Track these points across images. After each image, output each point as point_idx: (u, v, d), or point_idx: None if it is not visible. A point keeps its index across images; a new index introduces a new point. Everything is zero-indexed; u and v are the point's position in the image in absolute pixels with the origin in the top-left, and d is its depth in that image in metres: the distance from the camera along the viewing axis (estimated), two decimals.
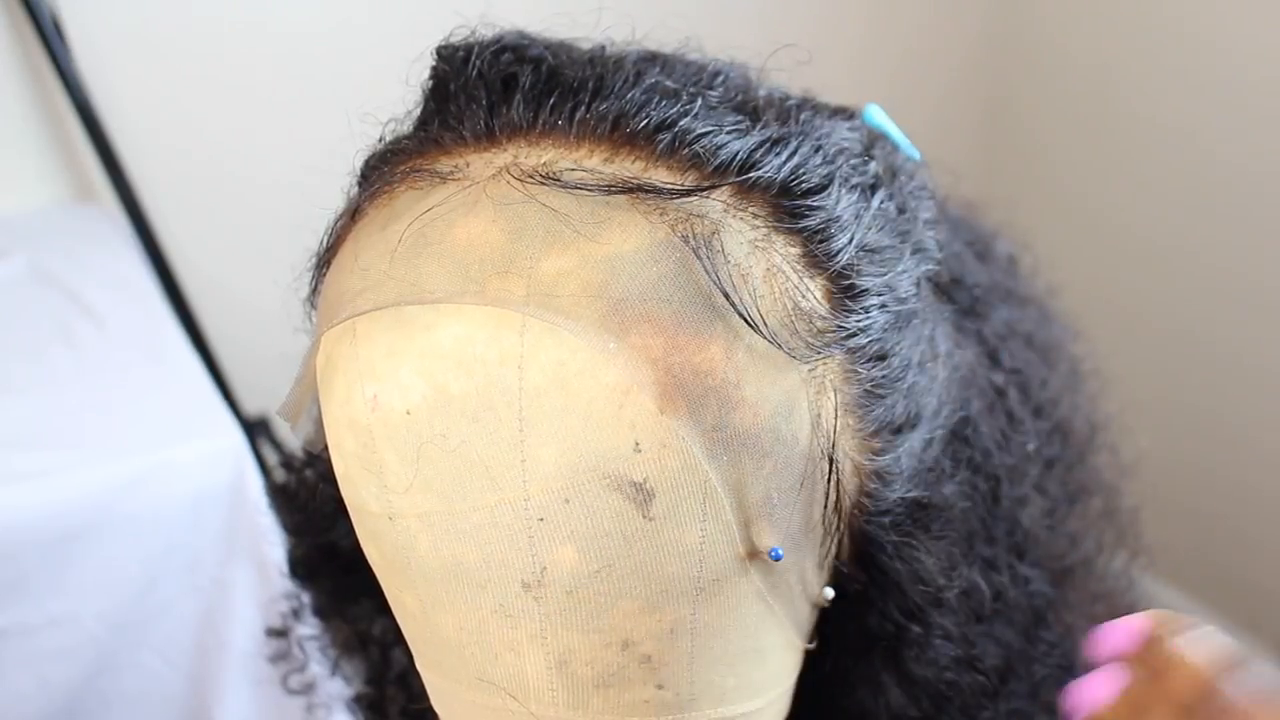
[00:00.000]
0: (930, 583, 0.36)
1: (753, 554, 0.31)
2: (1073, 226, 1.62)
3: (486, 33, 0.36)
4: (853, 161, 0.34)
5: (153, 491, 0.83)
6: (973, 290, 0.45)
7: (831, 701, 0.41)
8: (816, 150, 0.32)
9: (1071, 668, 0.44)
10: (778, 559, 0.31)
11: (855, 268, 0.32)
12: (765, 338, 0.29)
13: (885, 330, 0.32)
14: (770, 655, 0.34)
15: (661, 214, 0.29)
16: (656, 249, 0.29)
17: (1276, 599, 1.53)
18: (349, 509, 0.34)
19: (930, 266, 0.36)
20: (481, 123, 0.32)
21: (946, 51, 1.67)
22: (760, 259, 0.30)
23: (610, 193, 0.29)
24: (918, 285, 0.35)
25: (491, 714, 0.33)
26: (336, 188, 0.38)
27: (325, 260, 0.36)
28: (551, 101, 0.32)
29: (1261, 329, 1.41)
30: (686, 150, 0.30)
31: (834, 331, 0.31)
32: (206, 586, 0.89)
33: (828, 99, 0.39)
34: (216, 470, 0.85)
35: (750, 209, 0.31)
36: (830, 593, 0.35)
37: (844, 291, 0.31)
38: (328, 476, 0.46)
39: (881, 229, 0.33)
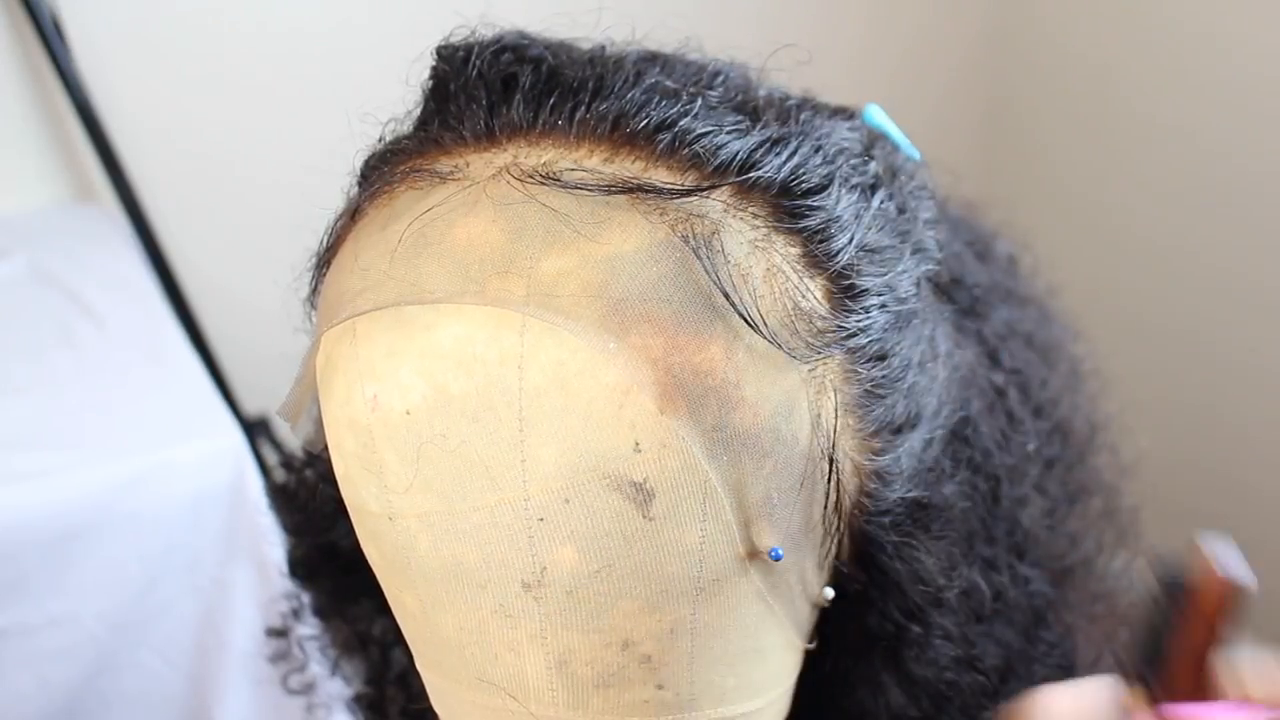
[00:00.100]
0: (930, 583, 0.36)
1: (753, 554, 0.31)
2: (1073, 226, 1.62)
3: (486, 33, 0.36)
4: (853, 161, 0.34)
5: (153, 491, 0.83)
6: (973, 290, 0.45)
7: (831, 701, 0.41)
8: (816, 150, 0.32)
9: (1071, 668, 0.44)
10: (778, 559, 0.31)
11: (855, 268, 0.32)
12: (765, 338, 0.29)
13: (885, 330, 0.32)
14: (770, 655, 0.34)
15: (661, 214, 0.29)
16: (656, 249, 0.29)
17: (1277, 599, 1.53)
18: (349, 509, 0.34)
19: (930, 266, 0.36)
20: (481, 123, 0.32)
21: (946, 51, 1.67)
22: (760, 259, 0.30)
23: (610, 193, 0.29)
24: (918, 285, 0.35)
25: (491, 714, 0.33)
26: (336, 188, 0.38)
27: (325, 260, 0.36)
28: (551, 101, 0.32)
29: (1261, 329, 1.41)
30: (686, 150, 0.30)
31: (834, 331, 0.31)
32: (206, 586, 0.89)
33: (828, 99, 0.39)
34: (216, 470, 0.85)
35: (750, 209, 0.31)
36: (830, 593, 0.35)
37: (844, 291, 0.31)
38: (328, 476, 0.46)
39: (881, 229, 0.33)
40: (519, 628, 0.31)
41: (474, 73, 0.33)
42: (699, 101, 0.32)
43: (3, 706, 0.84)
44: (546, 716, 0.32)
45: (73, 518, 0.81)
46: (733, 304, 0.29)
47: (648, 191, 0.29)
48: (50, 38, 1.09)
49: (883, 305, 0.32)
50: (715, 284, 0.29)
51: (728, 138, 0.31)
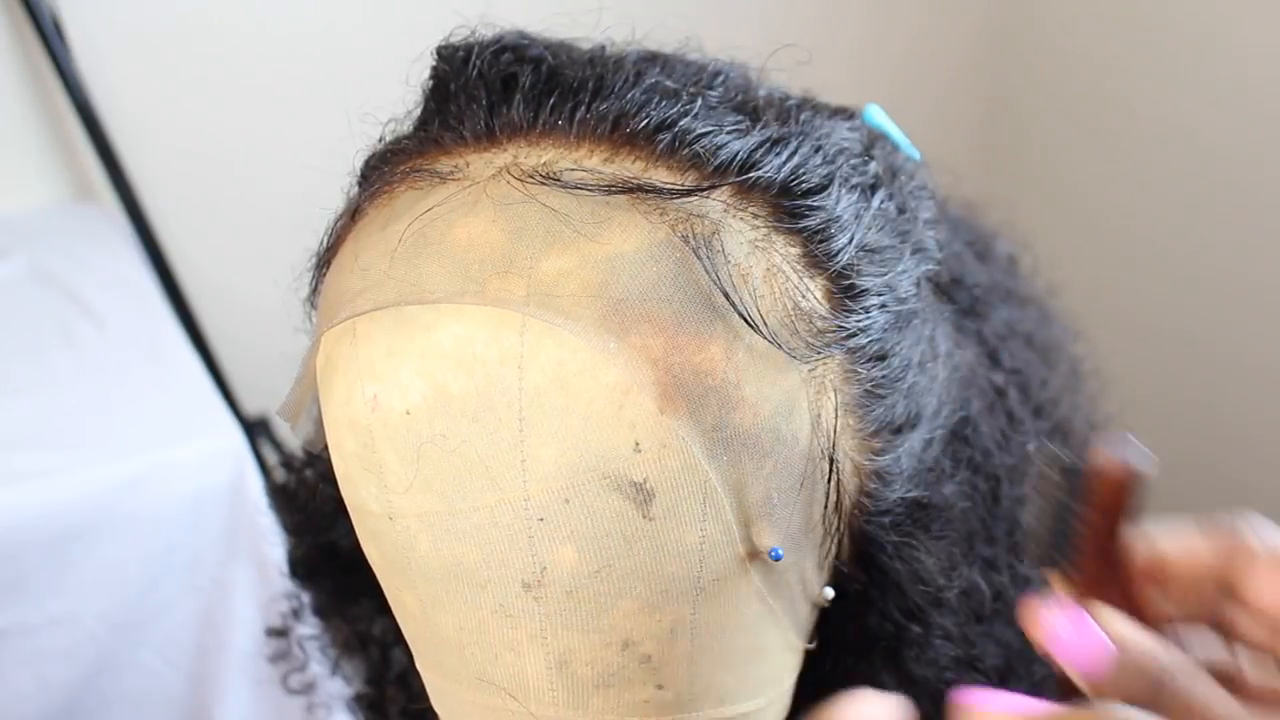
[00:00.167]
0: (930, 583, 0.36)
1: (753, 554, 0.31)
2: (1073, 226, 1.62)
3: (486, 33, 0.36)
4: (853, 161, 0.34)
5: (153, 491, 0.83)
6: (973, 290, 0.45)
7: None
8: (816, 150, 0.32)
9: None
10: (778, 559, 0.31)
11: (855, 268, 0.32)
12: (765, 338, 0.29)
13: (885, 330, 0.32)
14: (770, 655, 0.34)
15: (661, 214, 0.29)
16: (656, 249, 0.29)
17: None
18: (349, 509, 0.34)
19: (930, 266, 0.36)
20: (481, 123, 0.32)
21: (946, 51, 1.68)
22: (760, 259, 0.30)
23: (610, 193, 0.29)
24: (918, 285, 0.35)
25: (491, 714, 0.33)
26: (336, 188, 0.38)
27: (325, 260, 0.36)
28: (551, 101, 0.32)
29: (1261, 329, 1.41)
30: (686, 150, 0.30)
31: (834, 331, 0.31)
32: (206, 586, 0.89)
33: (828, 99, 0.39)
34: (216, 470, 0.85)
35: (750, 209, 0.31)
36: (830, 593, 0.35)
37: (844, 291, 0.31)
38: (328, 476, 0.46)
39: (881, 229, 0.33)
40: (519, 628, 0.31)
41: (474, 73, 0.33)
42: (699, 101, 0.32)
43: (3, 706, 0.84)
44: (546, 716, 0.32)
45: (73, 518, 0.81)
46: (733, 304, 0.29)
47: (648, 191, 0.29)
48: (50, 38, 1.09)
49: (883, 305, 0.32)
50: (715, 284, 0.29)
51: (728, 138, 0.31)
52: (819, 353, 0.31)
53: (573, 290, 0.28)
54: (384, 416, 0.30)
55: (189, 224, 1.28)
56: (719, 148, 0.30)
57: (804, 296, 0.30)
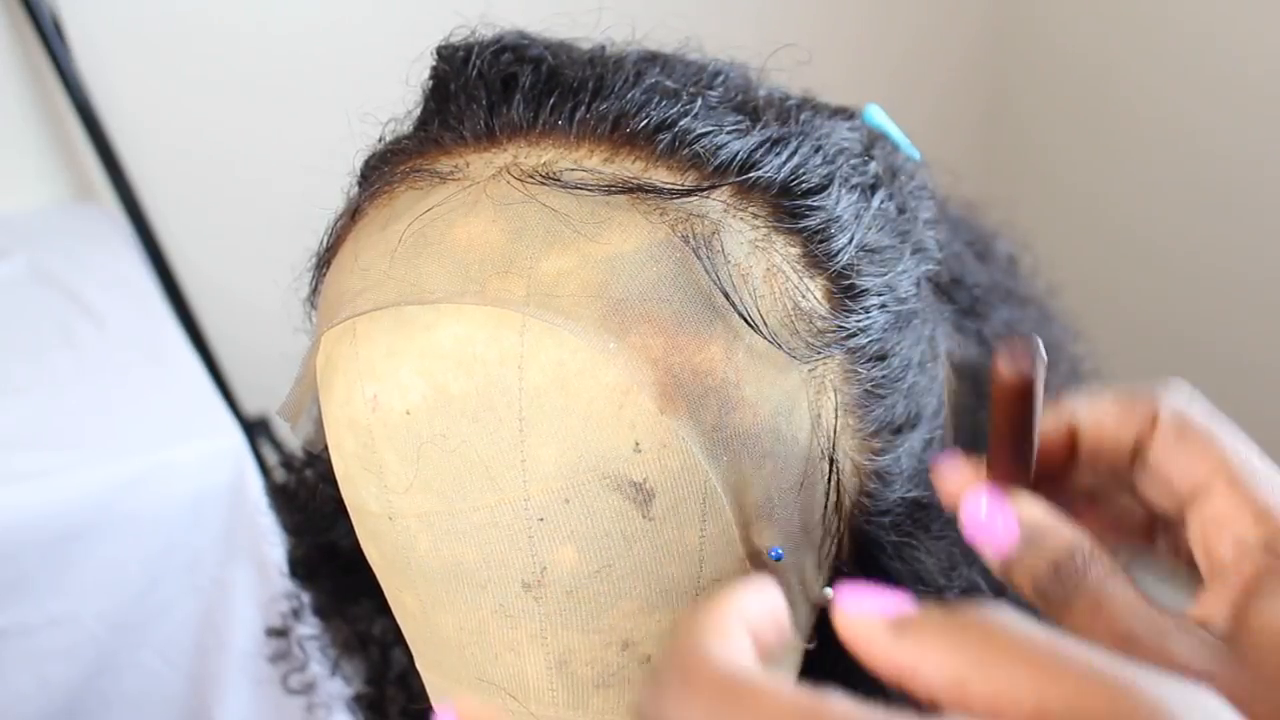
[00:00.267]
0: (930, 583, 0.36)
1: (753, 554, 0.31)
2: (1073, 226, 1.62)
3: (486, 33, 0.36)
4: (853, 161, 0.34)
5: (153, 491, 0.83)
6: (973, 290, 0.45)
7: None
8: (816, 150, 0.32)
9: None
10: (778, 559, 0.31)
11: (855, 268, 0.32)
12: (765, 338, 0.29)
13: (885, 330, 0.32)
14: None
15: (661, 214, 0.29)
16: (656, 249, 0.29)
17: None
18: (349, 509, 0.34)
19: (930, 266, 0.36)
20: (481, 123, 0.32)
21: (946, 51, 1.68)
22: (760, 259, 0.30)
23: (610, 193, 0.29)
24: (918, 285, 0.35)
25: None
26: (336, 188, 0.38)
27: (325, 260, 0.36)
28: (551, 101, 0.32)
29: (1261, 329, 1.41)
30: (686, 150, 0.30)
31: (834, 331, 0.31)
32: (206, 586, 0.89)
33: (828, 99, 0.39)
34: (216, 470, 0.85)
35: (750, 209, 0.31)
36: (830, 593, 0.35)
37: (844, 291, 0.31)
38: (328, 476, 0.46)
39: (881, 229, 0.33)
40: (519, 628, 0.31)
41: (474, 73, 0.33)
42: (699, 101, 0.32)
43: (3, 706, 0.84)
44: (546, 716, 0.32)
45: (73, 518, 0.81)
46: (733, 304, 0.29)
47: (648, 191, 0.29)
48: (50, 38, 1.09)
49: (883, 305, 0.32)
50: (715, 284, 0.29)
51: (728, 138, 0.31)
52: (819, 353, 0.31)
53: (573, 290, 0.28)
54: (384, 416, 0.30)
55: (189, 224, 1.29)
56: (719, 148, 0.30)
57: (804, 296, 0.30)
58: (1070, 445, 0.30)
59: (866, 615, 0.23)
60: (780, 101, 0.35)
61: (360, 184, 0.37)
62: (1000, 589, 0.40)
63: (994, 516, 0.28)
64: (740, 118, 0.32)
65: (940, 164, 0.43)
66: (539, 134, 0.32)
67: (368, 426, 0.31)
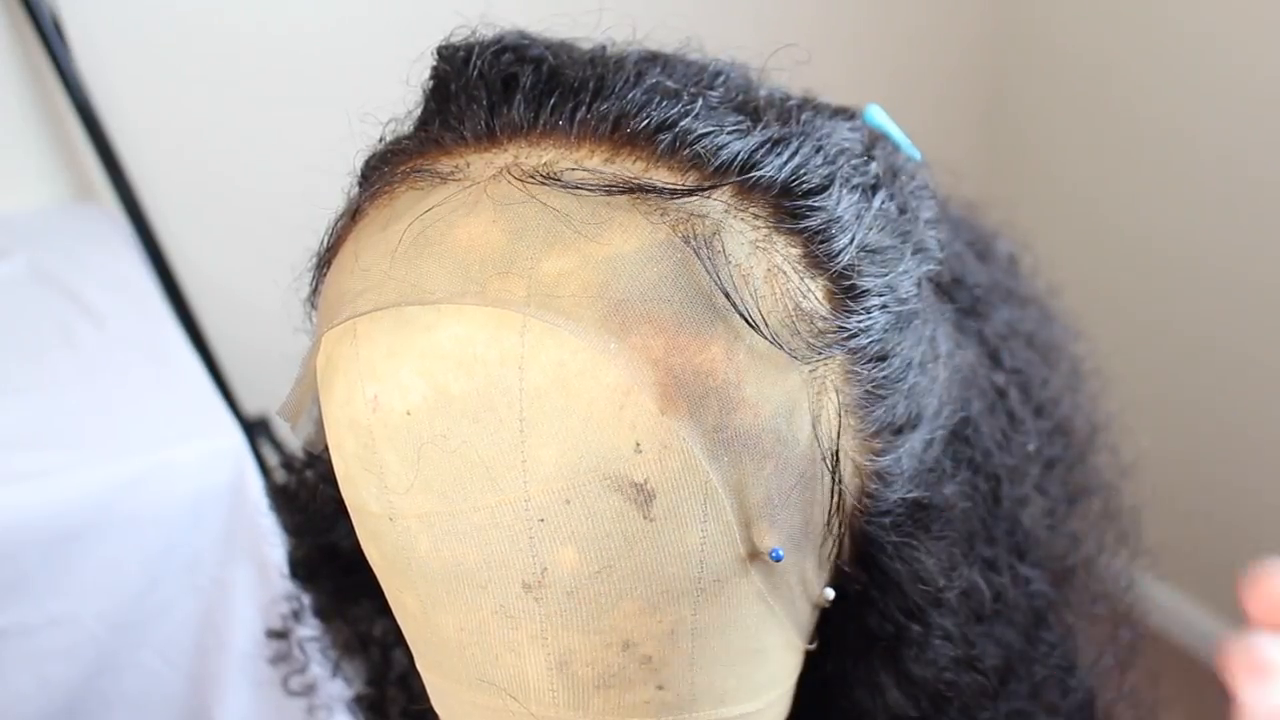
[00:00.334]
0: (930, 583, 0.36)
1: (753, 555, 0.31)
2: (1073, 226, 1.62)
3: (487, 33, 0.36)
4: (854, 162, 0.34)
5: (153, 491, 0.83)
6: (973, 290, 0.45)
7: (831, 702, 0.41)
8: (817, 151, 0.32)
9: (1072, 668, 0.44)
10: (778, 560, 0.31)
11: (856, 268, 0.32)
12: (766, 338, 0.29)
13: (886, 331, 0.32)
14: (771, 656, 0.34)
15: (662, 214, 0.29)
16: (657, 249, 0.29)
17: None
18: (349, 510, 0.34)
19: (931, 266, 0.36)
20: (482, 123, 0.32)
21: (946, 51, 1.68)
22: (761, 259, 0.30)
23: (611, 193, 0.29)
24: (919, 285, 0.35)
25: (492, 714, 0.33)
26: (336, 188, 0.38)
27: (325, 260, 0.36)
28: (552, 102, 0.32)
29: (1261, 329, 1.41)
30: (687, 150, 0.30)
31: (835, 332, 0.31)
32: (206, 587, 0.89)
33: (828, 99, 0.39)
34: (216, 470, 0.85)
35: (751, 209, 0.31)
36: (831, 593, 0.35)
37: (845, 292, 0.31)
38: (328, 477, 0.46)
39: (882, 229, 0.33)
40: (520, 628, 0.31)
41: (474, 73, 0.33)
42: (700, 102, 0.32)
43: (3, 706, 0.84)
44: (547, 717, 0.32)
45: (73, 518, 0.81)
46: (734, 304, 0.29)
47: (648, 191, 0.29)
48: (50, 38, 1.09)
49: (884, 306, 0.32)
50: (716, 284, 0.29)
51: (728, 138, 0.31)
52: (820, 353, 0.31)
53: (573, 291, 0.28)
54: (384, 417, 0.30)
55: (189, 224, 1.28)
56: (720, 148, 0.30)
57: (805, 297, 0.30)
58: None
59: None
60: (781, 102, 0.35)
61: (360, 184, 0.37)
62: (998, 595, 0.40)
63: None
64: (741, 118, 0.32)
65: (940, 164, 0.43)
66: (540, 134, 0.32)
67: (368, 427, 0.31)
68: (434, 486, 0.30)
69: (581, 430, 0.28)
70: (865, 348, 0.32)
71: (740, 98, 0.34)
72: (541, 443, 0.29)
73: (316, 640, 0.57)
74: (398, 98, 0.37)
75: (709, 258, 0.29)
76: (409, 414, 0.30)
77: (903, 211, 0.35)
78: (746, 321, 0.29)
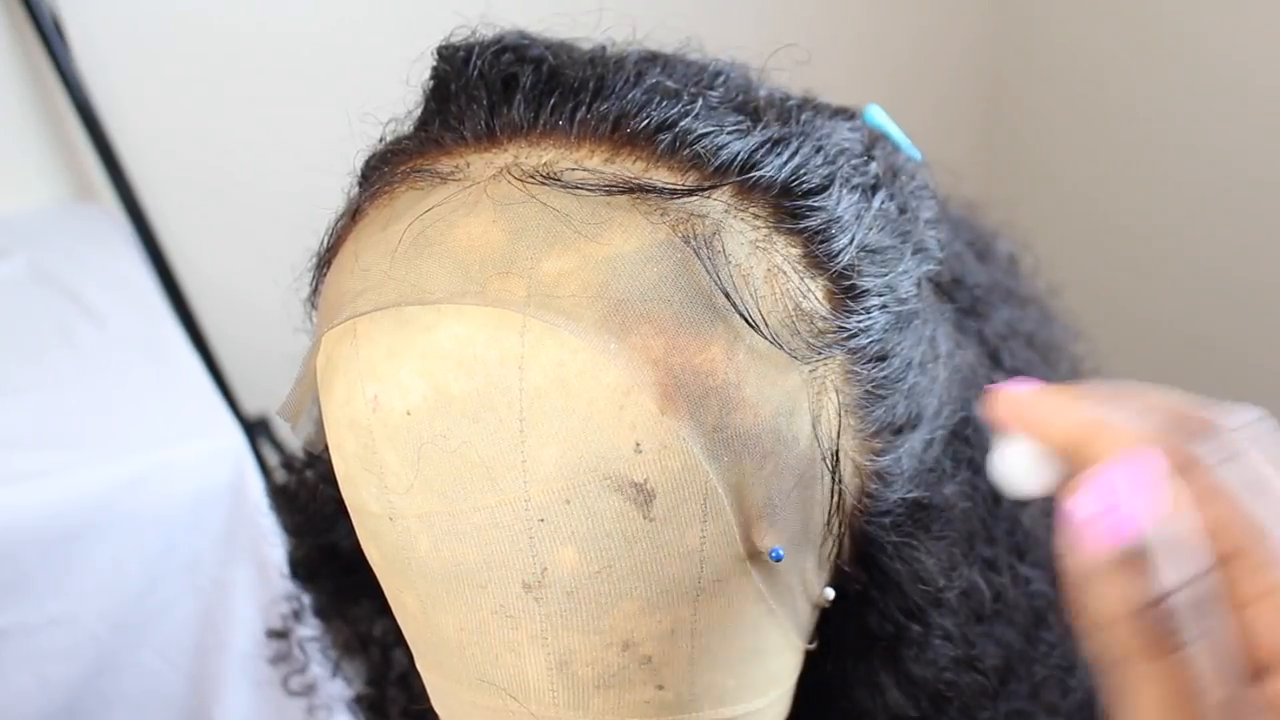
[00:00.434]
0: (930, 583, 0.36)
1: (753, 555, 0.31)
2: (1073, 226, 1.62)
3: (487, 33, 0.36)
4: (854, 162, 0.34)
5: (153, 491, 0.83)
6: (973, 290, 0.45)
7: (831, 702, 0.41)
8: (817, 151, 0.32)
9: (1072, 668, 0.44)
10: (778, 559, 0.31)
11: (856, 268, 0.32)
12: (766, 338, 0.29)
13: (886, 331, 0.32)
14: (771, 656, 0.34)
15: (662, 214, 0.29)
16: (657, 249, 0.29)
17: None
18: (349, 510, 0.34)
19: (931, 266, 0.36)
20: (482, 123, 0.32)
21: (946, 51, 1.68)
22: (761, 259, 0.30)
23: (611, 193, 0.29)
24: (919, 285, 0.35)
25: (492, 714, 0.33)
26: (337, 188, 0.38)
27: (326, 260, 0.36)
28: (552, 102, 0.32)
29: (1261, 329, 1.41)
30: (687, 150, 0.30)
31: (835, 332, 0.31)
32: (206, 587, 0.89)
33: (828, 99, 0.39)
34: (216, 470, 0.85)
35: (751, 209, 0.30)
36: (831, 593, 0.35)
37: (845, 292, 0.31)
38: (328, 477, 0.46)
39: (882, 229, 0.33)
40: (520, 628, 0.31)
41: (475, 73, 0.33)
42: (700, 102, 0.32)
43: (3, 706, 0.84)
44: (547, 717, 0.32)
45: (73, 518, 0.81)
46: (734, 304, 0.29)
47: (648, 191, 0.29)
48: (50, 38, 1.09)
49: (884, 306, 0.32)
50: (716, 284, 0.29)
51: (729, 138, 0.31)
52: (820, 353, 0.31)
53: (573, 291, 0.28)
54: (385, 417, 0.30)
55: (189, 224, 1.28)
56: (720, 148, 0.30)
57: (805, 297, 0.30)
58: None
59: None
60: (781, 102, 0.35)
61: (360, 184, 0.37)
62: (998, 595, 0.40)
63: (1132, 495, 0.22)
64: (741, 118, 0.32)
65: (940, 164, 0.43)
66: (540, 134, 0.32)
67: (368, 427, 0.31)
68: (434, 486, 0.30)
69: (581, 430, 0.28)
70: (865, 348, 0.32)
71: (740, 98, 0.34)
72: (541, 443, 0.29)
73: (316, 640, 0.57)
74: (398, 98, 0.37)
75: (709, 258, 0.29)
76: (409, 414, 0.30)
77: (903, 211, 0.35)
78: (746, 321, 0.29)
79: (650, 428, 0.28)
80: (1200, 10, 1.34)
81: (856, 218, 0.32)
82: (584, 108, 0.31)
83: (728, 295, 0.29)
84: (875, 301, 0.32)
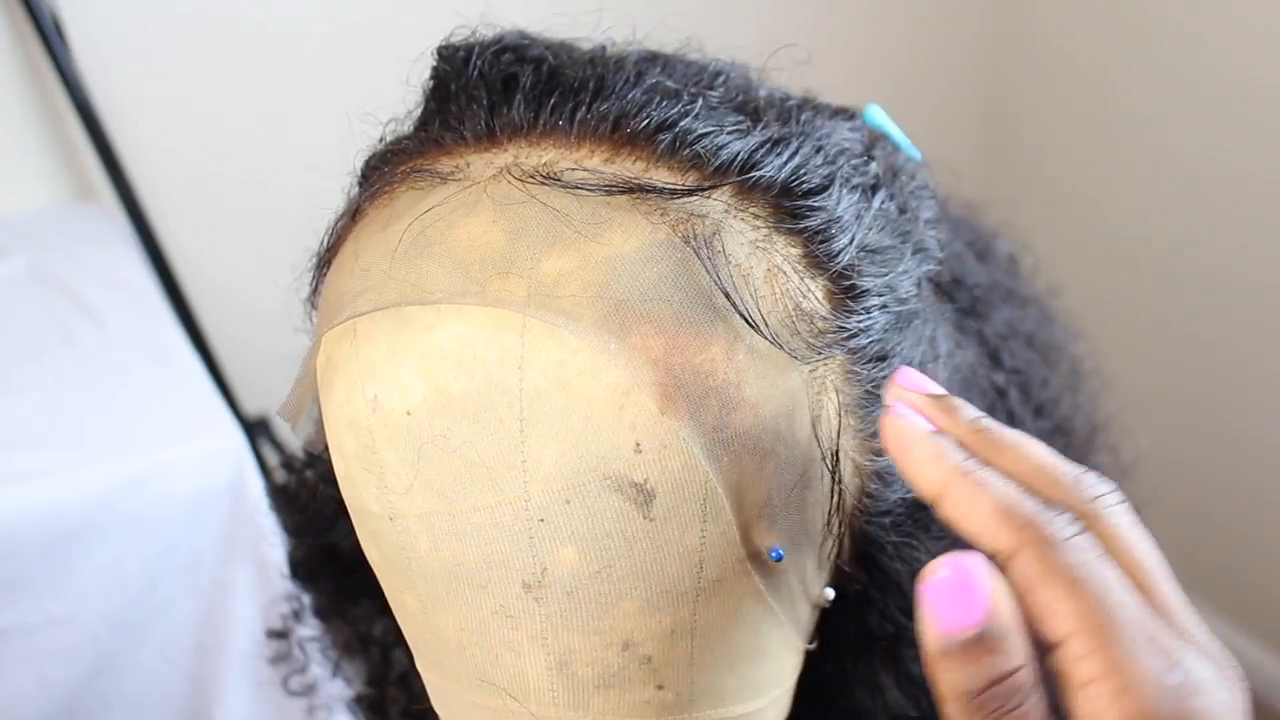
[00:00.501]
0: None
1: (753, 555, 0.31)
2: (1073, 226, 1.62)
3: (487, 33, 0.36)
4: (854, 162, 0.34)
5: (153, 491, 0.83)
6: (973, 290, 0.45)
7: (831, 702, 0.41)
8: (817, 151, 0.32)
9: None
10: (778, 560, 0.31)
11: (856, 268, 0.32)
12: (766, 338, 0.29)
13: (886, 331, 0.32)
14: (770, 656, 0.34)
15: (662, 214, 0.29)
16: (657, 249, 0.29)
17: (1277, 599, 1.53)
18: (349, 509, 0.34)
19: (931, 266, 0.36)
20: (482, 123, 0.32)
21: (946, 51, 1.68)
22: (761, 259, 0.30)
23: (611, 193, 0.29)
24: (919, 285, 0.35)
25: (492, 714, 0.33)
26: (337, 188, 0.38)
27: (326, 260, 0.36)
28: (552, 102, 0.32)
29: (1261, 329, 1.41)
30: (687, 150, 0.30)
31: (835, 332, 0.31)
32: (206, 587, 0.89)
33: (828, 99, 0.39)
34: (216, 470, 0.85)
35: (751, 209, 0.31)
36: (831, 593, 0.35)
37: (845, 292, 0.31)
38: (328, 477, 0.46)
39: (882, 229, 0.33)
40: (520, 628, 0.31)
41: (475, 73, 0.33)
42: (700, 102, 0.32)
43: (3, 706, 0.84)
44: (547, 717, 0.32)
45: (73, 518, 0.81)
46: (734, 304, 0.29)
47: (648, 191, 0.29)
48: (50, 38, 1.09)
49: (884, 306, 0.32)
50: (716, 284, 0.29)
51: (729, 138, 0.31)
52: (820, 353, 0.31)
53: (573, 291, 0.28)
54: (384, 417, 0.30)
55: (189, 224, 1.28)
56: (720, 148, 0.30)
57: (805, 297, 0.30)
58: None
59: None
60: (781, 102, 0.35)
61: (360, 184, 0.37)
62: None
63: (970, 587, 0.24)
64: (741, 118, 0.32)
65: (940, 164, 0.43)
66: (540, 134, 0.32)
67: (368, 427, 0.31)
68: (434, 486, 0.30)
69: (581, 430, 0.28)
70: (865, 348, 0.32)
71: (740, 98, 0.34)
72: (541, 443, 0.29)
73: (316, 640, 0.57)
74: (398, 98, 0.37)
75: (709, 258, 0.29)
76: (409, 414, 0.30)
77: (903, 211, 0.35)
78: (746, 321, 0.29)
79: (650, 428, 0.28)
80: (1200, 10, 1.34)
81: (856, 218, 0.32)
82: (584, 108, 0.31)
83: (728, 295, 0.29)
84: (875, 301, 0.32)
